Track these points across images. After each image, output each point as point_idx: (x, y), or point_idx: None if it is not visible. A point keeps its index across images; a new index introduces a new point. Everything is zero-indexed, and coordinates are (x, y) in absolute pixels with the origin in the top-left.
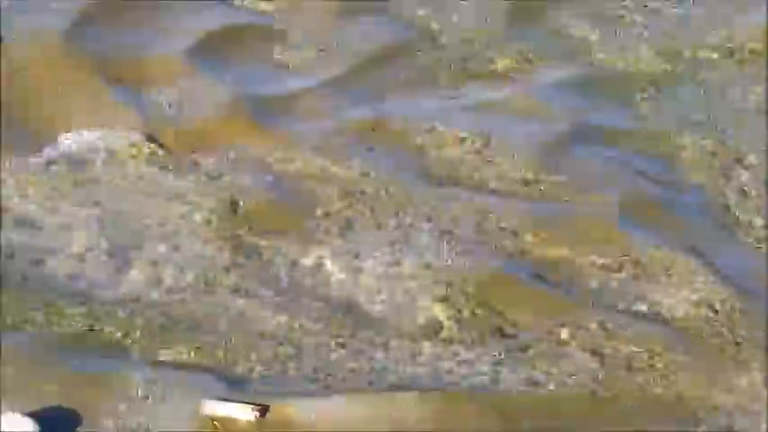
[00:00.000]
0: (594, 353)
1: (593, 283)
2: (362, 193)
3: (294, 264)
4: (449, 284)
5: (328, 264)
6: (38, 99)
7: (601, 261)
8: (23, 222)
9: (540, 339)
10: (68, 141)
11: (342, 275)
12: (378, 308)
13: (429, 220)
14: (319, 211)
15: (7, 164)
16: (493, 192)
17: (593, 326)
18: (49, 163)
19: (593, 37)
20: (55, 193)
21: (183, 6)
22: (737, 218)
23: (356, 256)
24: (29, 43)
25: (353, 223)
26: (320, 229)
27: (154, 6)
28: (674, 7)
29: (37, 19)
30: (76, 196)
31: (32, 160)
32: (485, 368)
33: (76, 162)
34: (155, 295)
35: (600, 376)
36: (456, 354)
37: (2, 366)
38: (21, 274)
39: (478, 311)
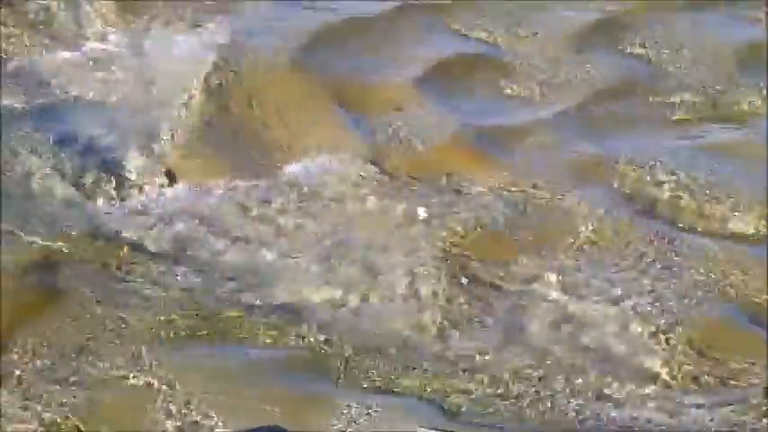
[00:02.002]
0: None
1: None
2: (585, 229)
3: (514, 297)
4: (670, 328)
5: (547, 300)
6: (269, 123)
7: None
8: (250, 246)
9: (761, 389)
10: (297, 165)
11: (560, 314)
12: (595, 350)
13: (651, 260)
14: (539, 245)
15: (237, 186)
16: (717, 235)
17: None
18: (276, 186)
19: None
20: (282, 216)
21: (412, 34)
22: None
23: (576, 295)
24: (260, 69)
25: (574, 260)
26: (539, 263)
27: (382, 34)
28: None
29: (267, 45)
30: (302, 220)
31: (260, 183)
32: (703, 415)
33: (304, 186)
34: (374, 322)
35: None
36: (674, 399)
37: (221, 383)
38: (244, 295)
39: (699, 357)
